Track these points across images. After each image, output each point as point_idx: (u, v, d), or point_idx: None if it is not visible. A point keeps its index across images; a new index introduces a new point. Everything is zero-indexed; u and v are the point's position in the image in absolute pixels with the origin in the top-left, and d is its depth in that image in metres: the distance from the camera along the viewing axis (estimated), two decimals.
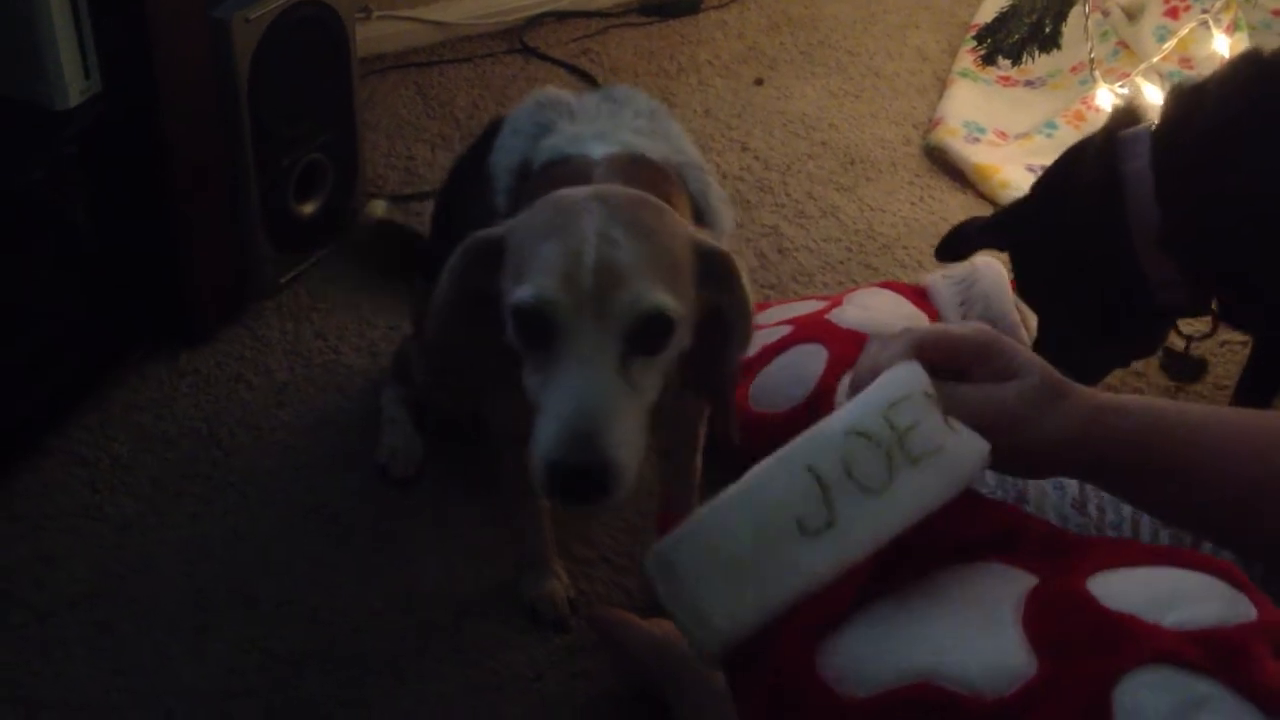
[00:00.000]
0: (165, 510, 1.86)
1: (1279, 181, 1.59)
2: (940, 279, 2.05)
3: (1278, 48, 1.69)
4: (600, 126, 1.39)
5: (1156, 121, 1.71)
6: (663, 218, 1.21)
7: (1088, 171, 1.74)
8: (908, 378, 0.98)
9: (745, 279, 1.24)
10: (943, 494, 0.94)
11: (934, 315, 1.98)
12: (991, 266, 2.02)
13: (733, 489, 0.95)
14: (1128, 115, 1.75)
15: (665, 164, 1.36)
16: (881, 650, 0.90)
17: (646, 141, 1.37)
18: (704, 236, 1.24)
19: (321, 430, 2.00)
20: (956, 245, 1.92)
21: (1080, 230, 1.75)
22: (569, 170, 1.32)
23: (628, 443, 1.13)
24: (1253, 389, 1.97)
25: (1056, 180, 1.81)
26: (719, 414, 1.38)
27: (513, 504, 1.72)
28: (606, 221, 1.16)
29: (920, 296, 2.04)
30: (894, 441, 0.93)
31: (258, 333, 2.17)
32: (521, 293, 1.15)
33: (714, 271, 1.23)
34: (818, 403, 1.79)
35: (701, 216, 1.37)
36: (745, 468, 0.94)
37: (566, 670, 1.66)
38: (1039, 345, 1.87)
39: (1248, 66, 1.67)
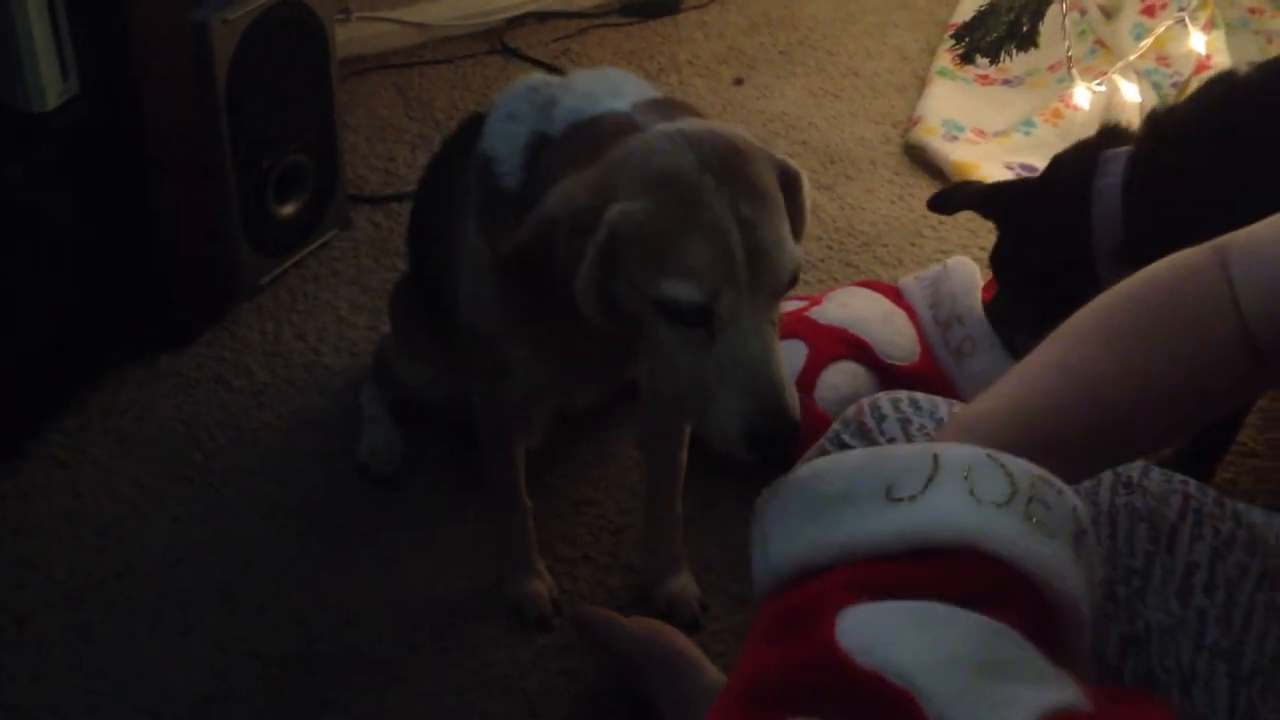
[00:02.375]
0: (146, 512, 1.85)
1: (1242, 198, 1.61)
2: (912, 280, 2.09)
3: (1250, 69, 1.73)
4: (606, 88, 1.41)
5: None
6: (756, 160, 1.26)
7: (1064, 182, 1.79)
8: None
9: (807, 187, 1.32)
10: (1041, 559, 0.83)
11: (910, 312, 2.00)
12: (962, 264, 2.06)
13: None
14: (1116, 134, 1.78)
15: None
16: None
17: (655, 92, 1.42)
18: (774, 153, 1.30)
19: (302, 431, 2.00)
20: (948, 201, 2.01)
21: (1046, 235, 1.80)
22: (606, 126, 1.33)
23: (794, 391, 1.23)
24: None
25: (1040, 182, 1.86)
26: None
27: (497, 504, 1.72)
28: (733, 198, 1.21)
29: (897, 295, 2.07)
30: (1027, 491, 0.84)
31: (237, 334, 2.16)
32: (682, 289, 1.20)
33: (787, 184, 1.30)
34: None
35: None
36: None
37: (551, 669, 1.66)
38: (989, 310, 1.96)
39: (1219, 87, 1.71)
